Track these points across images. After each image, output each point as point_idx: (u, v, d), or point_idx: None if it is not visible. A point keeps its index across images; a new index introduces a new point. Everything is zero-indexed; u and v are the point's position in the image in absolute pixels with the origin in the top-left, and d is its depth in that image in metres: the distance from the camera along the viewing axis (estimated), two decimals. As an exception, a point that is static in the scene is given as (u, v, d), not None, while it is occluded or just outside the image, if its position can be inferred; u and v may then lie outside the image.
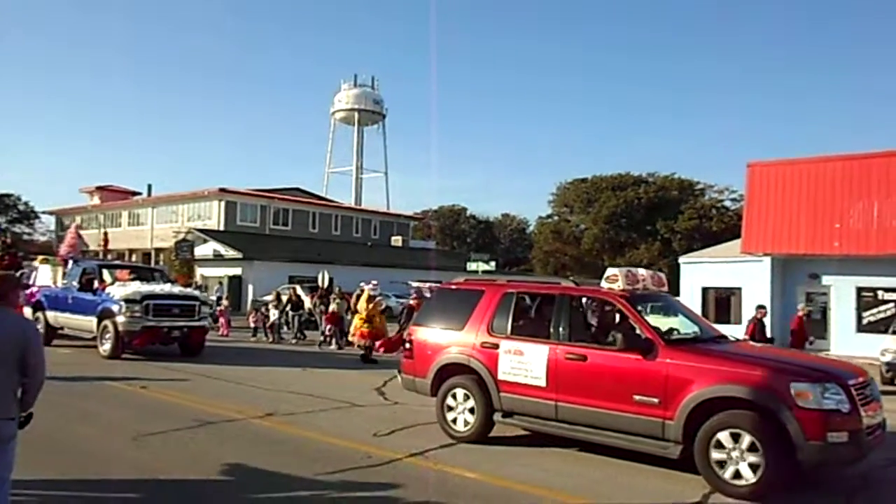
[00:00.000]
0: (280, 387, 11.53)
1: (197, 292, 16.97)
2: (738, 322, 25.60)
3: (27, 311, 16.76)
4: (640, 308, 7.25)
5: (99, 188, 54.37)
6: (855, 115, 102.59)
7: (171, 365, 13.87)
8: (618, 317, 7.59)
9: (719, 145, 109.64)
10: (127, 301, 14.47)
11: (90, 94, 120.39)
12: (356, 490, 5.86)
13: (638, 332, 6.85)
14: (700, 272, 27.56)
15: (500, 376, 7.54)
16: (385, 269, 39.96)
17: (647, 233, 55.11)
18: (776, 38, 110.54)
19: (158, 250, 44.12)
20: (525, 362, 7.37)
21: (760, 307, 14.06)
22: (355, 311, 16.36)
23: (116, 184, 55.28)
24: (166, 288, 15.92)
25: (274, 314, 21.54)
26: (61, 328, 16.58)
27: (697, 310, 26.84)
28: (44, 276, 17.52)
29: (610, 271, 7.57)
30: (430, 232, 72.44)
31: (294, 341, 20.83)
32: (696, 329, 7.84)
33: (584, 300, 8.09)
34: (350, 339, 16.59)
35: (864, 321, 23.07)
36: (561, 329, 7.38)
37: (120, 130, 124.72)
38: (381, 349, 15.05)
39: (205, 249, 38.80)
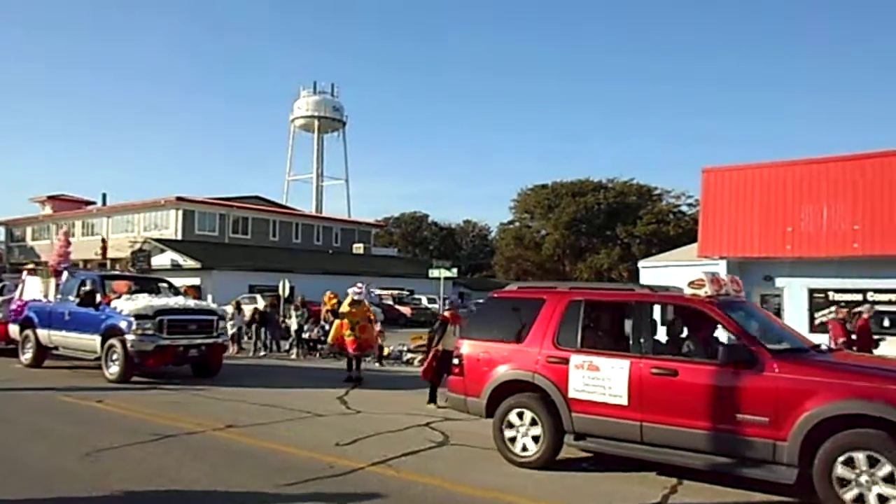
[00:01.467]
0: (240, 397, 11.35)
1: (214, 306, 15.35)
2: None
3: (13, 329, 15.73)
4: (733, 316, 6.59)
5: (51, 198, 53.00)
6: (813, 116, 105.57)
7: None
8: (709, 326, 6.98)
9: (677, 149, 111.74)
10: (138, 317, 12.71)
11: (40, 101, 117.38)
12: (318, 500, 5.80)
13: (739, 342, 6.24)
14: (658, 276, 28.00)
15: (572, 394, 6.80)
16: (347, 277, 39.58)
17: (607, 238, 55.87)
18: (738, 40, 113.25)
19: (114, 261, 43.17)
20: (602, 378, 6.63)
21: (844, 306, 13.03)
22: (336, 317, 14.74)
23: (69, 193, 53.96)
24: (181, 301, 14.09)
25: (231, 325, 21.03)
26: (55, 348, 14.71)
27: (657, 314, 27.28)
28: (32, 288, 15.88)
29: (696, 275, 6.98)
30: (392, 239, 72.26)
31: (262, 354, 20.18)
32: (787, 338, 7.07)
33: (664, 307, 7.42)
34: (330, 343, 15.62)
35: (816, 321, 23.70)
36: (642, 340, 6.70)
37: (73, 139, 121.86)
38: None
39: (162, 259, 38.07)
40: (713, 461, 6.09)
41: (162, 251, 38.45)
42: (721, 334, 6.90)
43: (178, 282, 36.28)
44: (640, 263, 29.77)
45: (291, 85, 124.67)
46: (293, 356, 19.23)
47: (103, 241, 25.22)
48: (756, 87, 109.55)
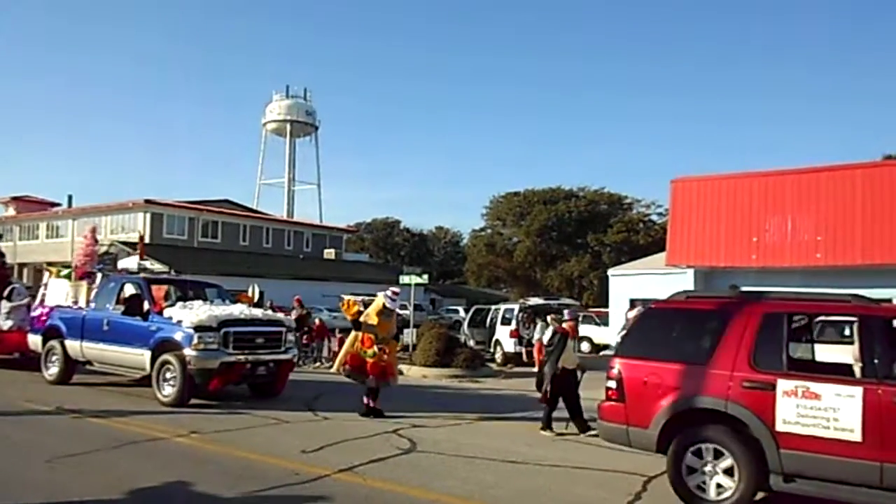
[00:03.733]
0: (205, 404, 11.20)
1: (281, 315, 13.55)
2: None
3: (33, 340, 13.78)
4: None
5: (14, 199, 51.97)
6: (789, 122, 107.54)
7: (85, 377, 13.14)
8: None
9: (649, 157, 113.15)
10: (199, 328, 10.82)
11: (4, 101, 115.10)
12: (283, 502, 5.75)
13: None
14: (628, 284, 28.35)
15: (780, 427, 5.65)
16: (317, 283, 39.51)
17: (577, 246, 56.27)
18: (709, 47, 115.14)
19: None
20: (823, 408, 5.50)
21: None
22: (357, 329, 10.68)
23: (33, 194, 52.91)
24: (245, 310, 12.02)
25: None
26: (87, 363, 12.72)
27: (622, 321, 27.66)
28: (57, 293, 13.91)
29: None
30: (364, 245, 72.02)
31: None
32: None
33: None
34: (338, 369, 11.00)
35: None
36: (877, 362, 5.57)
37: (38, 140, 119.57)
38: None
39: (129, 263, 37.43)
40: None
41: (129, 254, 37.77)
42: None
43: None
44: (610, 271, 30.11)
45: (264, 88, 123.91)
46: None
47: (140, 237, 22.58)
48: (731, 94, 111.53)
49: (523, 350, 21.06)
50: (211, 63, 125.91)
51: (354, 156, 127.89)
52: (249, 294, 14.99)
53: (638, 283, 27.96)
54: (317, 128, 70.13)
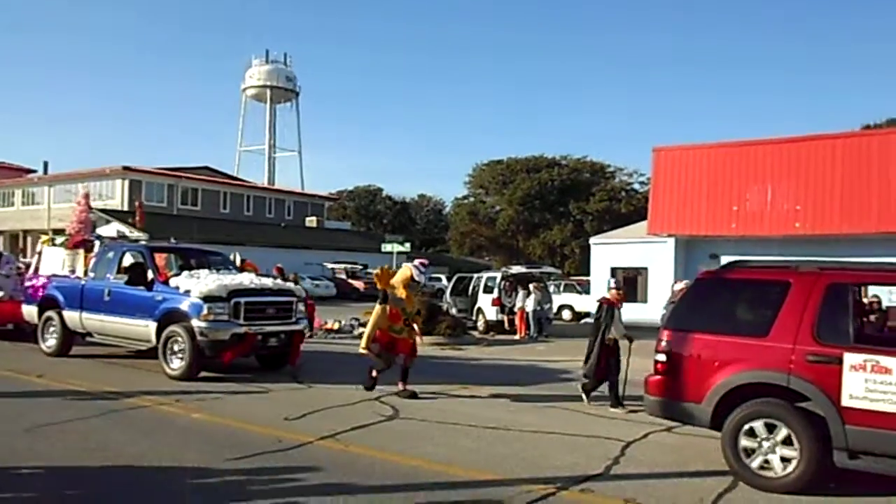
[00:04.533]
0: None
1: (290, 284, 12.87)
2: (645, 301, 26.78)
3: (28, 310, 13.37)
4: None
5: (-12, 165, 50.98)
6: (770, 91, 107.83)
7: (83, 349, 12.84)
8: None
9: (631, 128, 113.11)
10: (208, 298, 10.36)
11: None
12: (266, 474, 5.78)
13: None
14: (609, 253, 28.53)
15: (847, 402, 5.46)
16: (299, 251, 39.44)
17: (560, 214, 56.50)
18: (691, 17, 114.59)
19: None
20: (894, 383, 5.31)
21: None
22: (384, 302, 9.64)
23: (7, 160, 51.94)
24: (255, 279, 11.50)
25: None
26: (87, 334, 12.26)
27: (606, 289, 27.90)
28: (51, 262, 13.34)
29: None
30: (346, 213, 71.72)
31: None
32: None
33: None
34: (366, 347, 9.65)
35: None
36: None
37: (10, 104, 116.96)
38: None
39: (108, 231, 36.87)
40: None
41: (108, 222, 37.40)
42: None
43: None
44: (592, 240, 30.25)
45: (243, 53, 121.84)
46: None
47: (139, 203, 20.59)
48: (713, 64, 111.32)
49: (505, 318, 21.21)
50: (189, 27, 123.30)
51: (336, 123, 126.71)
52: (249, 261, 14.55)
53: (620, 252, 28.16)
54: (297, 94, 69.25)
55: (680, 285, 10.69)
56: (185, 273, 11.32)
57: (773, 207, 23.19)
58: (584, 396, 9.53)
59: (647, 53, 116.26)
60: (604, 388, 9.54)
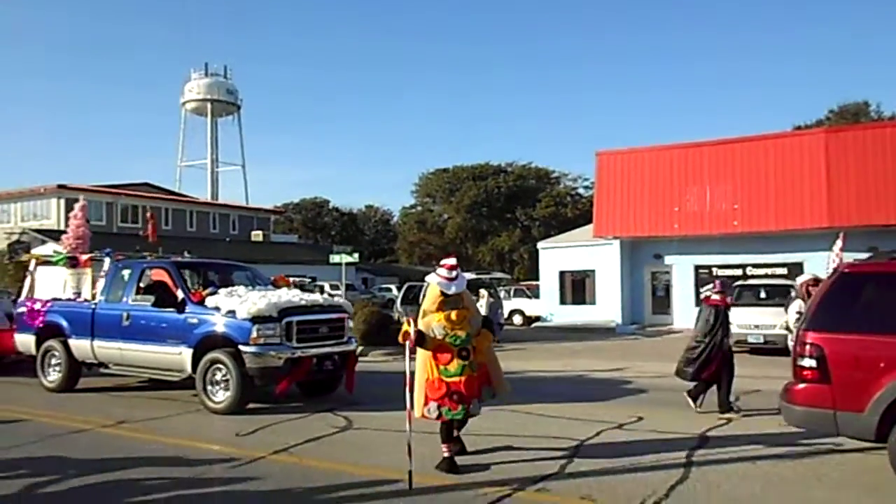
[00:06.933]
0: (136, 392, 10.88)
1: (340, 300, 11.40)
2: (594, 303, 27.25)
3: (23, 340, 11.73)
4: None
5: (-87, 187, 48.60)
6: (715, 84, 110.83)
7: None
8: None
9: (574, 133, 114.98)
10: (257, 319, 9.10)
11: None
12: (219, 485, 5.67)
13: None
14: (557, 257, 28.94)
15: None
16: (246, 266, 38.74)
17: (507, 221, 57.01)
18: (630, 14, 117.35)
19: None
20: None
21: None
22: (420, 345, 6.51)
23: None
24: (303, 295, 10.37)
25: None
26: (100, 365, 10.79)
27: (556, 292, 28.34)
28: (48, 283, 11.92)
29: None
30: (293, 226, 70.90)
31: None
32: None
33: None
34: (423, 414, 6.55)
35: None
36: None
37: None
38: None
39: (43, 252, 35.74)
40: None
41: (43, 242, 36.11)
42: None
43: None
44: (540, 245, 30.64)
45: (181, 66, 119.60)
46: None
47: (152, 215, 18.66)
48: (653, 61, 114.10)
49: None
50: (123, 41, 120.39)
51: (280, 136, 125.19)
52: (284, 276, 13.23)
53: (567, 256, 28.59)
54: (239, 107, 68.15)
55: (801, 279, 10.12)
56: (224, 291, 9.85)
57: (713, 207, 23.93)
58: (691, 402, 9.04)
59: (590, 54, 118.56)
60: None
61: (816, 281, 9.51)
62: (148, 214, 18.74)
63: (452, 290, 6.46)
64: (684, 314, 24.93)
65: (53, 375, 11.24)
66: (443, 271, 6.58)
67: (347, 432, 7.99)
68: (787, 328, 8.99)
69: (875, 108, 48.02)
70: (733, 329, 10.43)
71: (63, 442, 7.56)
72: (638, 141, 63.93)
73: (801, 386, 5.83)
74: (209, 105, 66.17)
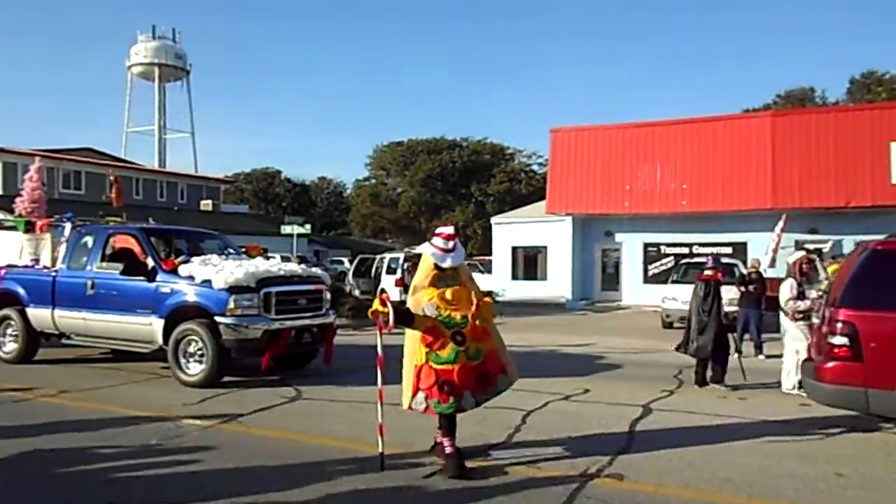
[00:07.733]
0: (81, 362, 10.65)
1: (318, 270, 11.10)
2: (545, 279, 27.60)
3: None
4: None
5: None
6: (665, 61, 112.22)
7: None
8: None
9: (528, 110, 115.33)
10: (234, 290, 8.76)
11: None
12: (165, 455, 5.61)
13: None
14: (510, 232, 29.18)
15: None
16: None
17: (461, 195, 57.02)
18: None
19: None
20: None
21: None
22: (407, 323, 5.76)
23: None
24: (282, 265, 10.06)
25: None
26: (62, 335, 10.34)
27: (508, 268, 28.61)
28: (4, 249, 11.45)
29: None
30: (243, 196, 69.65)
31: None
32: None
33: None
34: (410, 406, 5.68)
35: (650, 273, 25.75)
36: None
37: None
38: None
39: (-20, 217, 34.40)
40: None
41: (-20, 208, 34.74)
42: None
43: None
44: (494, 220, 30.82)
45: (127, 27, 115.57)
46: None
47: (116, 178, 17.60)
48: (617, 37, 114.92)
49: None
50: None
51: (231, 103, 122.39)
52: (255, 245, 12.87)
53: (520, 232, 28.83)
54: (188, 72, 66.27)
55: (794, 257, 9.94)
56: (197, 259, 9.48)
57: (662, 186, 24.38)
58: (719, 387, 8.98)
59: (537, 31, 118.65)
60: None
61: (810, 260, 9.58)
62: (112, 178, 17.88)
63: (448, 264, 5.54)
64: (633, 291, 25.51)
65: (10, 346, 10.82)
66: (438, 241, 5.62)
67: (297, 402, 7.98)
68: (781, 308, 9.00)
69: (820, 94, 49.40)
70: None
71: (3, 410, 7.35)
72: (594, 119, 64.46)
73: (832, 364, 5.78)
74: (157, 69, 64.18)
